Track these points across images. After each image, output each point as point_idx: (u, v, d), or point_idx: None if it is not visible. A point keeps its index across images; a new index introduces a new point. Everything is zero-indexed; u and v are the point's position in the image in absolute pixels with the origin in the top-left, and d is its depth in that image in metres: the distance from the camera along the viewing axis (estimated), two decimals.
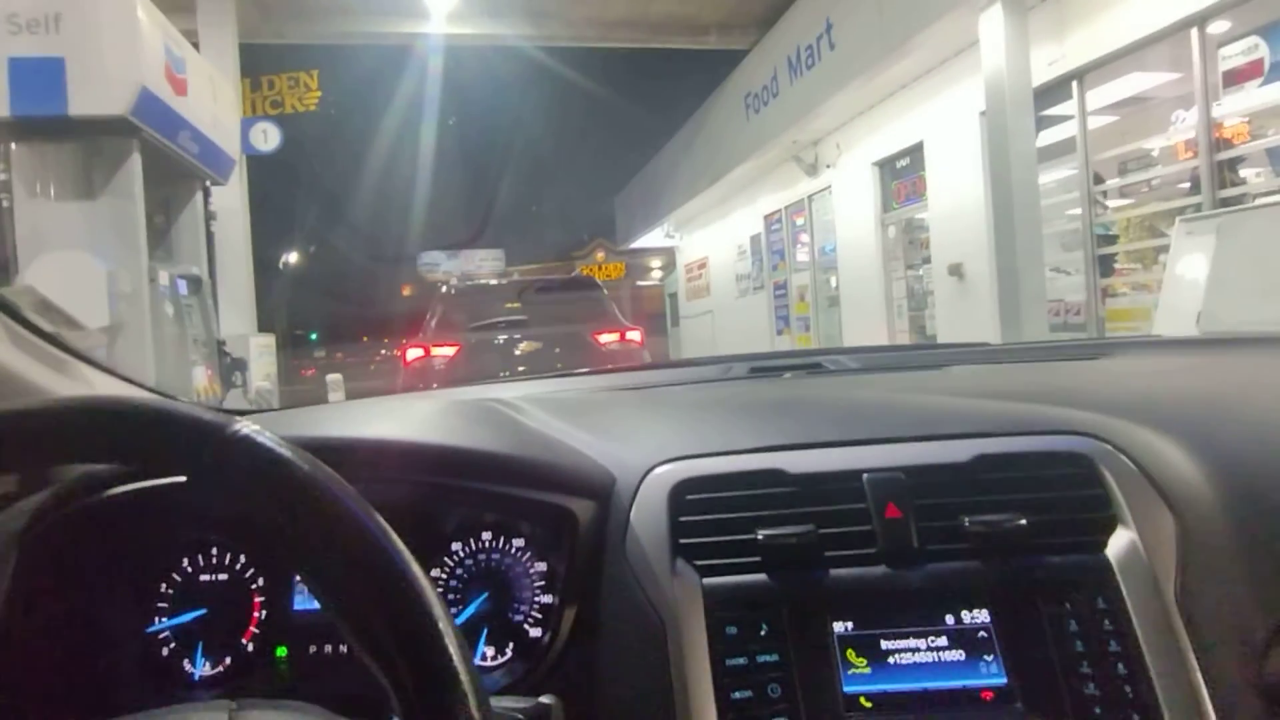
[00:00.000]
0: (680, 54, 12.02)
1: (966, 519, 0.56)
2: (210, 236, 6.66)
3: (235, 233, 8.21)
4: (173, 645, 0.70)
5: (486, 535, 0.69)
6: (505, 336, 5.38)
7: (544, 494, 0.63)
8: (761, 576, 0.56)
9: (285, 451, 0.39)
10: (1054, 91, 6.11)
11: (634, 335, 5.42)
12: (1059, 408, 0.68)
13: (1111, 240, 6.09)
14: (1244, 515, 0.56)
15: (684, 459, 0.64)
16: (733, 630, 0.54)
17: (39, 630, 0.61)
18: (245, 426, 0.40)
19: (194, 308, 5.97)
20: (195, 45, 6.99)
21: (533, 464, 0.65)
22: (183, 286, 5.85)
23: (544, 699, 0.51)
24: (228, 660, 0.69)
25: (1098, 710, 0.50)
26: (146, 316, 5.24)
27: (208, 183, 6.64)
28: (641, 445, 0.67)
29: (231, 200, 7.97)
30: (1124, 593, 0.53)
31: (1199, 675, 0.50)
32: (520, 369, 5.13)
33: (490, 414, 0.78)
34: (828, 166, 9.54)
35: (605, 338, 5.33)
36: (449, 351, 5.21)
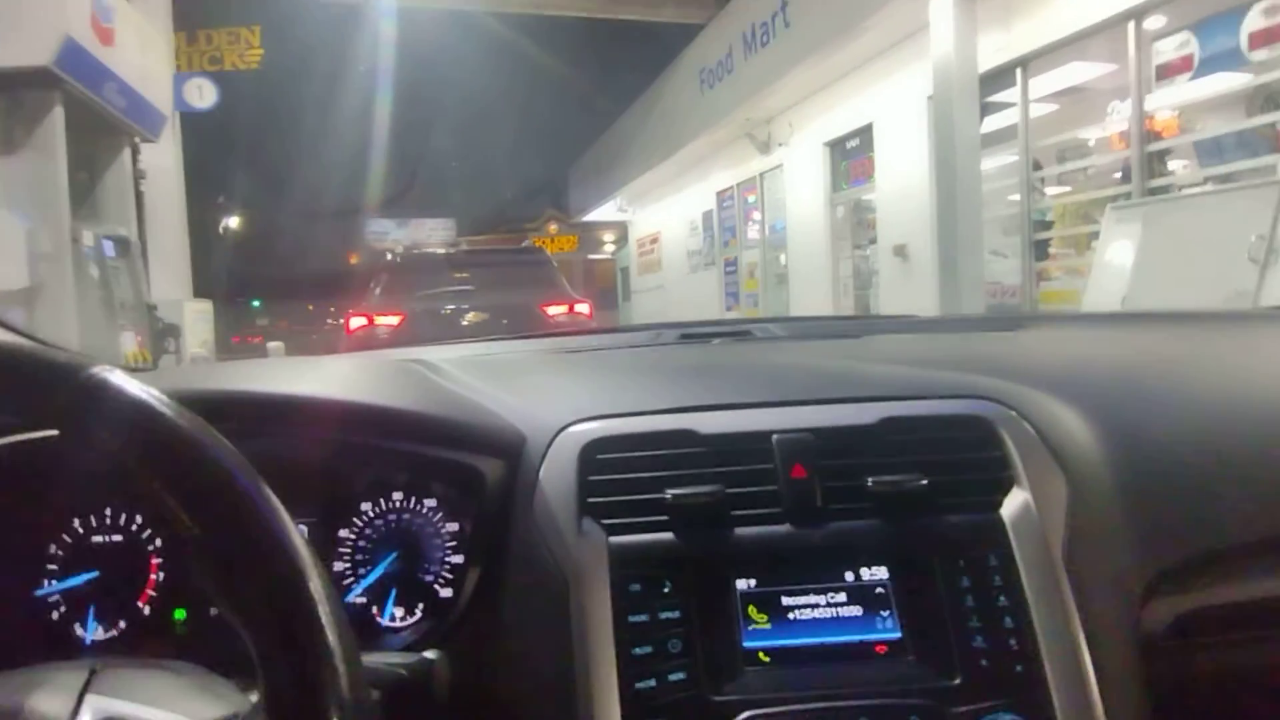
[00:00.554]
0: (636, 26, 11.87)
1: (870, 479, 0.57)
2: (140, 196, 6.38)
3: (168, 193, 7.86)
4: (63, 609, 0.67)
5: (397, 495, 0.68)
6: (452, 306, 5.30)
7: (451, 452, 0.63)
8: (668, 535, 0.56)
9: (147, 398, 0.37)
10: (999, 78, 6.24)
11: (582, 308, 5.40)
12: (966, 374, 0.70)
13: (1047, 226, 6.29)
14: (1129, 480, 0.59)
15: (596, 419, 0.64)
16: (636, 588, 0.54)
17: None
18: (103, 370, 0.37)
19: (122, 270, 5.72)
20: None
21: (439, 421, 0.64)
22: (109, 248, 5.59)
23: (428, 654, 0.51)
24: (122, 624, 0.67)
25: (984, 662, 0.52)
26: (69, 278, 5.00)
27: (137, 139, 6.35)
28: (555, 405, 0.67)
29: (164, 159, 7.62)
30: (1015, 550, 0.55)
31: (1079, 627, 0.53)
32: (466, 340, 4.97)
33: (402, 373, 0.77)
34: (780, 145, 9.59)
35: (554, 309, 5.29)
36: (393, 321, 5.12)
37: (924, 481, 0.57)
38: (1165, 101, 5.19)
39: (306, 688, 0.33)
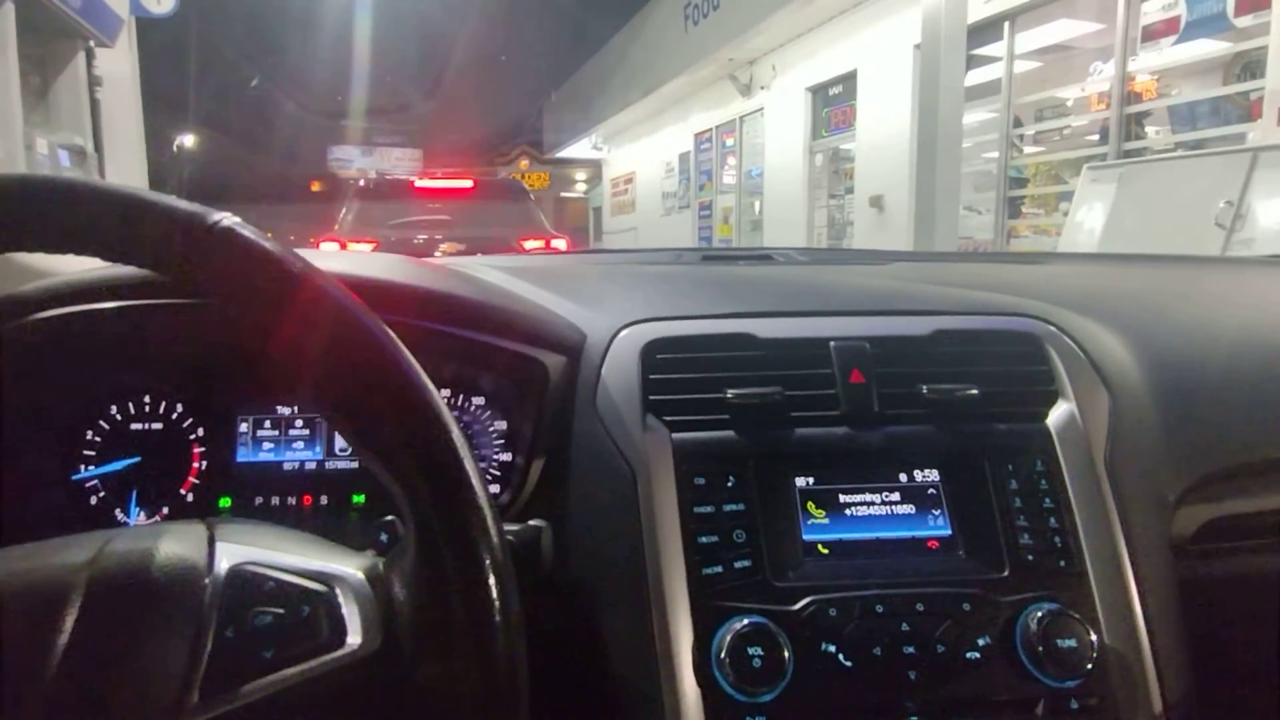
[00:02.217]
0: None
1: (924, 387, 0.60)
2: (95, 104, 6.03)
3: (124, 104, 7.44)
4: (103, 494, 0.67)
5: (445, 392, 0.68)
6: (426, 236, 5.19)
7: (515, 344, 0.63)
8: (729, 433, 0.58)
9: (273, 246, 0.36)
10: (987, 31, 6.20)
11: (559, 244, 5.34)
12: (1009, 296, 0.73)
13: (1022, 184, 6.36)
14: (1165, 399, 0.63)
15: (654, 320, 0.65)
16: (701, 481, 0.56)
17: None
18: (228, 218, 0.37)
19: None
20: None
21: (505, 312, 0.65)
22: (64, 158, 5.32)
23: (534, 522, 0.52)
24: (165, 510, 0.67)
25: (1030, 557, 0.55)
26: None
27: (91, 43, 5.97)
28: (610, 307, 0.68)
29: (120, 67, 7.20)
30: (1060, 457, 0.59)
31: (1119, 529, 0.57)
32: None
33: (450, 270, 0.76)
34: (762, 88, 9.45)
35: (530, 245, 5.22)
36: (365, 249, 4.94)
37: (974, 391, 0.59)
38: (1148, 64, 5.22)
39: (459, 536, 0.34)
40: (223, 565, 0.35)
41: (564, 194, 20.80)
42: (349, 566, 0.38)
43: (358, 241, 5.00)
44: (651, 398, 0.59)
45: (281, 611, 0.35)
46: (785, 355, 0.62)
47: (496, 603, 0.33)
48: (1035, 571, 0.55)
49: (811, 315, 0.66)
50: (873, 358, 0.61)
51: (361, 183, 5.93)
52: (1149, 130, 5.46)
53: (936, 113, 5.91)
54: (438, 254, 5.06)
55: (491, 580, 0.34)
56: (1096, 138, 5.68)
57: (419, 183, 5.96)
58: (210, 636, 0.33)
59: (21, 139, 4.78)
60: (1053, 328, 0.66)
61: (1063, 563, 0.55)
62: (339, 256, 0.74)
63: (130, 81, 7.58)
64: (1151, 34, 5.12)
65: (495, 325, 0.64)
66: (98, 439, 0.67)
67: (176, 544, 0.36)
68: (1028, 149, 6.39)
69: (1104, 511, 0.57)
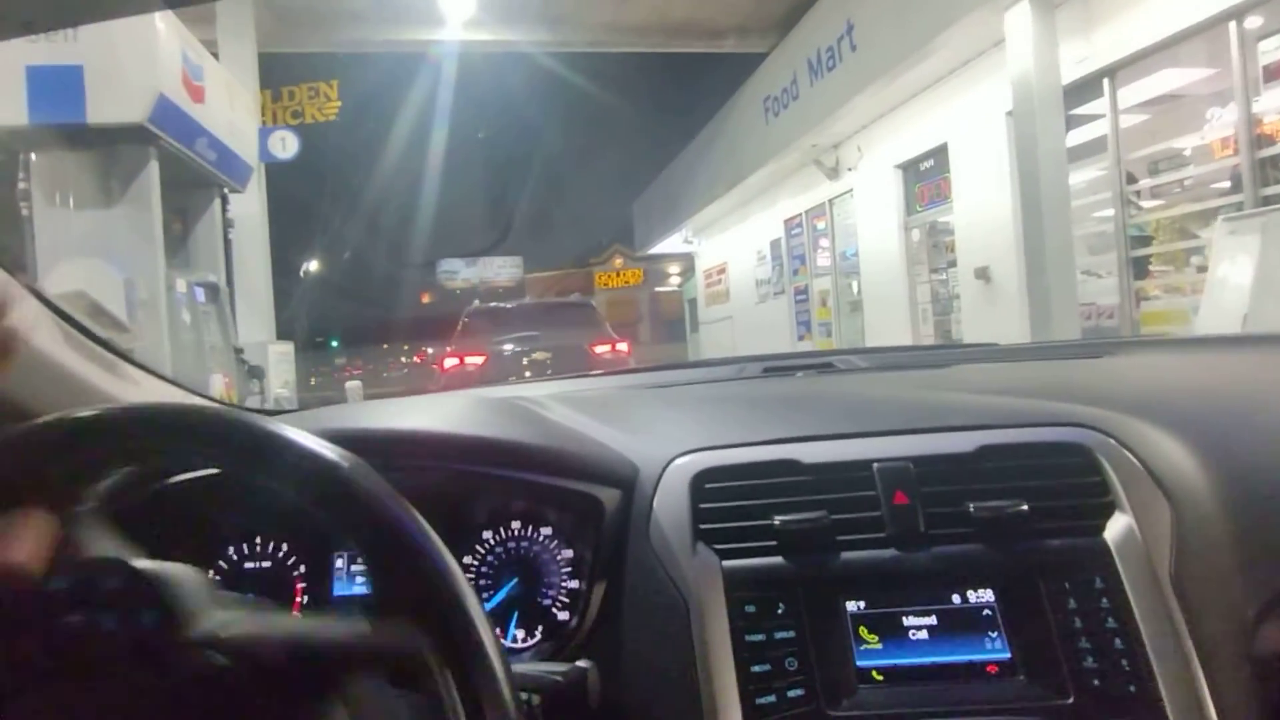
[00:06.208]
0: (698, 58, 11.97)
1: (971, 505, 0.58)
2: (228, 244, 6.68)
3: (254, 240, 8.23)
4: None
5: (516, 524, 0.72)
6: (522, 348, 6.79)
7: (572, 482, 0.67)
8: (778, 559, 0.58)
9: (323, 451, 0.41)
10: (1083, 90, 5.98)
11: (622, 346, 6.85)
12: (1059, 402, 0.70)
13: (1146, 242, 5.94)
14: (1236, 504, 0.58)
15: (703, 450, 0.66)
16: (751, 608, 0.56)
17: None
18: (272, 424, 0.42)
19: (211, 315, 5.97)
20: (215, 56, 7.00)
21: (561, 454, 0.68)
22: (200, 294, 5.85)
23: (580, 663, 0.54)
24: None
25: (1096, 681, 0.52)
26: (164, 324, 5.24)
27: (225, 190, 6.65)
28: (662, 438, 0.71)
29: (250, 207, 8.00)
30: (1121, 573, 0.56)
31: (1191, 648, 0.52)
32: (529, 374, 6.57)
33: (517, 409, 0.81)
34: (849, 170, 9.45)
35: (599, 348, 6.76)
36: (478, 359, 6.73)
37: (1025, 507, 0.57)
38: (1276, 104, 4.85)
39: (469, 691, 0.38)
40: None
41: (658, 288, 21.20)
42: None
43: (471, 355, 6.81)
44: (702, 526, 0.60)
45: None
46: (830, 479, 0.62)
47: None
48: (1104, 697, 0.51)
49: (855, 437, 0.66)
50: (917, 478, 0.60)
51: (464, 321, 7.58)
52: None
53: (1038, 178, 5.69)
54: (532, 358, 6.75)
55: None
56: (1227, 185, 5.26)
57: (510, 307, 8.15)
58: None
59: (164, 281, 5.30)
60: (1104, 436, 0.63)
61: (1133, 687, 0.51)
62: (416, 411, 0.83)
63: (259, 220, 8.41)
64: (1274, 73, 4.77)
65: (553, 467, 0.67)
66: (217, 578, 0.72)
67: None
68: (1149, 204, 5.99)
69: (1173, 630, 0.53)
